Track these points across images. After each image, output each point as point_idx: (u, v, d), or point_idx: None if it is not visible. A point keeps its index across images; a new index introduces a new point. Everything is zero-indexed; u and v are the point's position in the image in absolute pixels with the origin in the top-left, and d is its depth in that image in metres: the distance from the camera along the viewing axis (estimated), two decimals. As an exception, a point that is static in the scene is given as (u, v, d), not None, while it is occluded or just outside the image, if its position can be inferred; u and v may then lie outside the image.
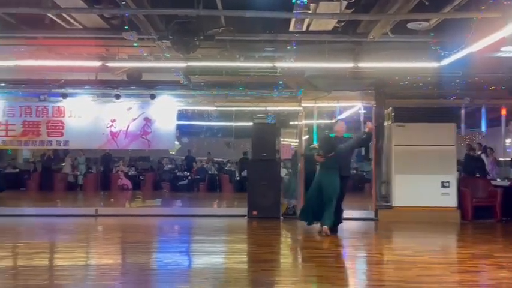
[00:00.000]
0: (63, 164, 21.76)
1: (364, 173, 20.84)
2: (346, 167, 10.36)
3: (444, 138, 12.32)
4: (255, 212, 12.28)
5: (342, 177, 10.11)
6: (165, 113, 13.47)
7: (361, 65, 10.86)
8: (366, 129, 10.35)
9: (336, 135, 10.58)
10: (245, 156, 20.79)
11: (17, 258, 7.97)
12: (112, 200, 17.33)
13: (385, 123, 12.89)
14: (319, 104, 13.08)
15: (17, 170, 21.89)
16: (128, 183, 20.89)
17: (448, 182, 12.24)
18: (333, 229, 9.96)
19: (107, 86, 13.01)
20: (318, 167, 10.61)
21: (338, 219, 10.18)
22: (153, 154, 23.07)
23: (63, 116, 13.45)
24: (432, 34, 9.40)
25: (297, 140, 13.51)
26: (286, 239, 10.38)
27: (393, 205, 12.38)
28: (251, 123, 13.49)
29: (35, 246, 8.68)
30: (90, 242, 9.55)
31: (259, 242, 9.38)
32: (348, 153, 10.52)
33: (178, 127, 14.13)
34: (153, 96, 13.19)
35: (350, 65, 10.86)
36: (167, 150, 19.08)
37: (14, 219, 12.19)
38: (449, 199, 12.22)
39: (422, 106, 12.50)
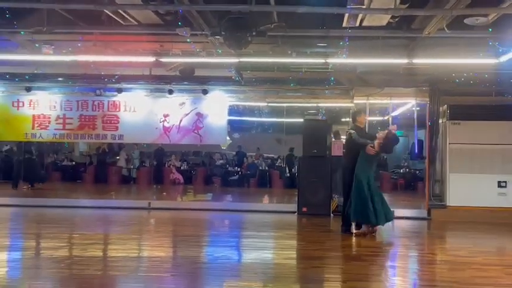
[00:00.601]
0: (118, 157, 22.22)
1: (417, 172, 20.47)
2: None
3: (502, 137, 11.95)
4: (304, 209, 12.24)
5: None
6: (216, 109, 13.56)
7: (416, 61, 10.64)
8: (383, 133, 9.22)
9: (358, 126, 9.58)
10: (291, 153, 20.70)
11: (72, 248, 8.18)
12: (164, 193, 17.57)
13: (440, 121, 12.61)
14: (372, 101, 12.91)
15: (73, 163, 22.49)
16: (180, 177, 21.14)
17: (505, 181, 11.87)
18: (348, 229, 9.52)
19: (161, 81, 13.21)
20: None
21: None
22: (205, 149, 23.25)
23: (118, 111, 13.75)
24: (490, 30, 9.10)
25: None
26: (336, 236, 10.29)
27: (447, 204, 12.10)
28: (302, 120, 13.45)
29: (89, 237, 8.88)
30: (142, 235, 9.69)
31: (309, 238, 9.32)
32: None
33: (230, 122, 14.24)
34: (205, 92, 13.30)
35: (404, 61, 10.66)
36: (218, 146, 19.12)
37: (70, 210, 12.51)
38: (506, 199, 11.84)
39: (479, 104, 12.14)
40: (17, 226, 10.49)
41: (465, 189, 11.97)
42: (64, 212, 12.38)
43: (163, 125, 13.66)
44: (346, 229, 9.60)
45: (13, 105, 14.05)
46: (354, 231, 9.48)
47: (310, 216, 11.95)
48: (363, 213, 9.12)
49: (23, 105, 14.02)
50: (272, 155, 22.86)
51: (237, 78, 12.54)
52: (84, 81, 13.37)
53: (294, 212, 12.35)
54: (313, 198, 12.22)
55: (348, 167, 9.35)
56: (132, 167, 22.09)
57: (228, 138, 15.54)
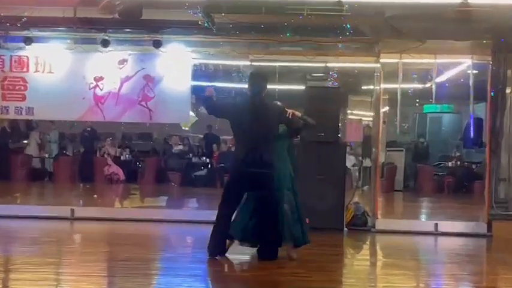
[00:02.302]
0: (26, 141, 22.11)
1: (474, 166, 20.66)
2: None
3: None
4: (307, 221, 12.24)
5: None
6: (175, 70, 13.49)
7: (474, 1, 10.65)
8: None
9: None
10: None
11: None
12: (95, 196, 17.53)
13: (508, 91, 12.68)
14: (407, 60, 12.94)
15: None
16: (119, 172, 21.15)
17: None
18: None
19: (91, 28, 13.09)
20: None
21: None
22: (157, 130, 23.24)
23: (25, 71, 13.61)
24: None
25: (372, 114, 13.38)
26: (352, 262, 10.33)
27: (516, 215, 12.24)
28: (303, 87, 13.38)
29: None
30: (62, 258, 9.65)
31: (311, 265, 9.34)
32: None
33: (195, 91, 14.15)
34: (157, 44, 13.22)
35: (456, 0, 10.65)
36: (177, 125, 19.14)
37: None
38: None
39: None
40: None
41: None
42: None
43: (94, 94, 13.57)
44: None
45: None
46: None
47: (314, 230, 11.94)
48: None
49: None
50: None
51: (206, 24, 12.47)
52: (-26, 26, 13.21)
53: (290, 225, 12.36)
54: (319, 204, 12.23)
55: None
56: (47, 155, 22.00)
57: (192, 114, 15.48)
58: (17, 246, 10.42)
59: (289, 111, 9.45)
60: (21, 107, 13.65)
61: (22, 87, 13.62)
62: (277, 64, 14.46)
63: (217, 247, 9.34)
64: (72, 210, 13.16)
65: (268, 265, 9.18)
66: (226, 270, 9.08)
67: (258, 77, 9.68)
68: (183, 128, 21.02)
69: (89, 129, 21.72)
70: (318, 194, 12.26)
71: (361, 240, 11.86)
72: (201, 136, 23.91)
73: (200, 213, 14.57)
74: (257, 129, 9.04)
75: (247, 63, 14.22)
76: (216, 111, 9.68)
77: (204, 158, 22.03)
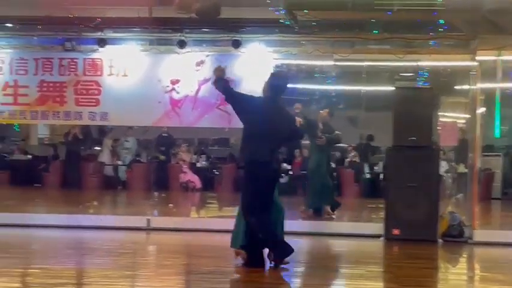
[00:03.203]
0: (99, 148, 22.40)
1: None
2: None
3: None
4: (396, 231, 12.15)
5: None
6: (255, 71, 13.51)
7: None
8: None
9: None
10: (368, 142, 20.54)
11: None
12: (171, 205, 17.66)
13: None
14: (507, 57, 12.72)
15: (29, 157, 22.78)
16: (195, 179, 21.23)
17: None
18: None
19: (167, 28, 13.21)
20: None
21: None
22: (234, 135, 23.26)
23: (99, 74, 13.82)
24: None
25: (467, 116, 13.17)
26: (448, 276, 10.17)
27: None
28: (391, 88, 13.25)
29: (56, 274, 8.89)
30: (139, 270, 9.72)
31: (404, 279, 9.23)
32: None
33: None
34: (236, 44, 13.28)
35: None
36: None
37: (24, 231, 12.65)
38: None
39: None
40: None
41: None
42: (15, 233, 12.53)
43: (170, 97, 13.68)
44: None
45: None
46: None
47: (406, 242, 11.85)
48: None
49: (-50, 65, 14.22)
50: (342, 144, 22.70)
51: (288, 22, 12.47)
52: (47, 27, 13.45)
53: (379, 236, 12.29)
54: (410, 214, 12.12)
55: None
56: (120, 162, 22.25)
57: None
58: (92, 258, 10.55)
59: (298, 119, 9.66)
60: (95, 113, 13.85)
61: (96, 92, 13.81)
62: (363, 64, 14.38)
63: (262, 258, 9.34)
64: (148, 221, 13.26)
65: (356, 279, 9.14)
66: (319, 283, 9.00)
67: (279, 79, 9.77)
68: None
69: (165, 134, 21.90)
70: (409, 202, 12.17)
71: (457, 252, 11.67)
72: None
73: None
74: (269, 131, 9.14)
75: (331, 63, 14.18)
76: (235, 101, 9.65)
77: (285, 164, 21.91)
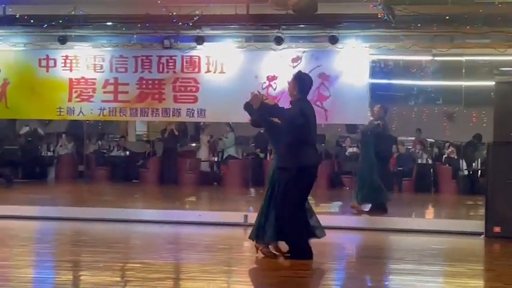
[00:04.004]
0: (196, 144, 22.58)
1: None
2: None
3: None
4: (497, 229, 11.87)
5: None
6: (351, 67, 13.43)
7: None
8: None
9: None
10: (473, 141, 20.12)
11: (132, 286, 8.38)
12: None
13: None
14: None
15: (127, 154, 23.11)
16: (292, 176, 21.20)
17: None
18: None
19: (264, 25, 13.23)
20: None
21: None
22: (329, 131, 23.14)
23: (197, 71, 13.97)
24: None
25: None
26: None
27: None
28: (492, 83, 12.98)
29: (156, 269, 9.01)
30: (237, 266, 9.76)
31: (507, 278, 9.02)
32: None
33: (371, 89, 14.06)
34: (333, 40, 13.22)
35: None
36: (349, 126, 19.06)
37: (123, 226, 12.84)
38: None
39: None
40: (47, 249, 10.89)
41: None
42: (115, 228, 12.73)
43: (267, 94, 13.67)
44: None
45: (40, 65, 14.63)
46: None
47: (507, 240, 11.60)
48: None
49: (55, 64, 14.60)
50: (440, 140, 22.39)
51: (386, 18, 12.35)
52: (146, 26, 13.65)
53: (480, 234, 12.01)
54: (512, 211, 11.89)
55: None
56: (215, 159, 22.39)
57: (368, 113, 15.37)
58: (191, 253, 10.63)
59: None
60: (193, 109, 14.00)
61: (193, 89, 13.97)
62: (463, 58, 14.15)
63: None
64: (246, 216, 13.29)
65: (458, 277, 9.01)
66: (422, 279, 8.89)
67: (307, 79, 9.70)
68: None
69: (262, 131, 21.87)
70: (510, 199, 11.89)
71: None
72: (377, 137, 23.60)
73: (371, 219, 14.44)
74: (315, 131, 9.61)
75: (430, 57, 13.98)
76: (274, 124, 9.63)
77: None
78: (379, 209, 13.70)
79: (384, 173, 14.10)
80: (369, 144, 13.82)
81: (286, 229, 9.35)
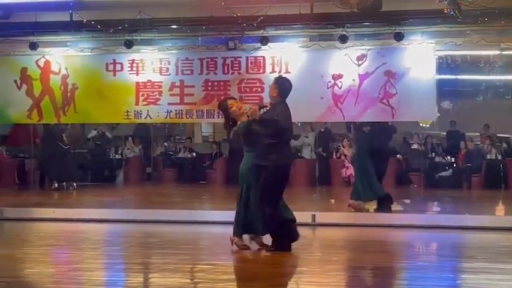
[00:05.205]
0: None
1: None
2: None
3: None
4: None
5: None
6: (418, 63, 13.34)
7: None
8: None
9: None
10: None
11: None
12: (332, 201, 17.58)
13: None
14: None
15: (193, 155, 23.20)
16: (355, 173, 21.08)
17: None
18: None
19: (328, 23, 13.18)
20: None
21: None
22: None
23: (262, 72, 13.97)
24: None
25: None
26: None
27: None
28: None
29: (225, 270, 9.12)
30: (305, 266, 9.74)
31: None
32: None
33: (438, 85, 13.90)
34: (398, 37, 13.12)
35: None
36: (415, 122, 18.90)
37: (191, 227, 12.91)
38: None
39: None
40: (118, 252, 10.99)
41: None
42: (183, 230, 12.79)
43: (332, 92, 13.65)
44: None
45: (107, 69, 14.80)
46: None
47: None
48: None
49: (122, 68, 14.74)
50: (509, 135, 22.03)
51: (452, 13, 12.18)
52: (211, 28, 13.69)
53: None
54: None
55: None
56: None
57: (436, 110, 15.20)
58: (261, 254, 10.61)
59: None
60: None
61: (259, 89, 13.98)
62: (532, 52, 13.90)
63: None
64: (314, 216, 13.23)
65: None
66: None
67: (287, 83, 10.21)
68: (421, 124, 20.64)
69: (322, 130, 21.81)
70: None
71: None
72: (443, 133, 23.26)
73: (444, 217, 14.26)
74: (292, 132, 10.47)
75: (498, 52, 13.75)
76: (272, 125, 9.93)
77: (448, 157, 21.46)
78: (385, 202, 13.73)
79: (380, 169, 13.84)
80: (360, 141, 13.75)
81: (267, 222, 9.97)
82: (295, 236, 10.19)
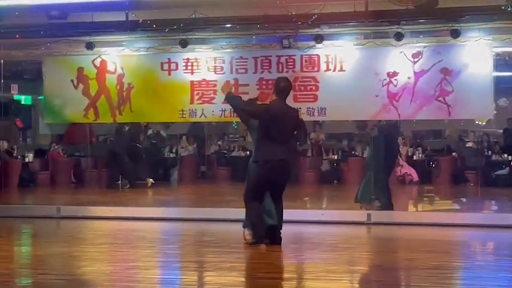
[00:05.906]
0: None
1: None
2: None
3: None
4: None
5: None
6: (474, 61, 13.19)
7: None
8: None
9: None
10: None
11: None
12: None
13: None
14: None
15: (247, 153, 23.22)
16: (412, 172, 20.95)
17: None
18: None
19: (383, 21, 13.10)
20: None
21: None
22: (449, 126, 22.81)
23: (317, 70, 13.93)
24: None
25: None
26: None
27: None
28: None
29: (279, 269, 9.08)
30: (361, 265, 9.79)
31: None
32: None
33: (496, 82, 13.74)
34: (455, 34, 12.99)
35: None
36: (470, 120, 18.73)
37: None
38: None
39: None
40: (174, 250, 11.07)
41: None
42: (238, 228, 12.78)
43: (387, 90, 13.55)
44: None
45: (162, 69, 14.85)
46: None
47: None
48: None
49: (177, 67, 14.77)
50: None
51: (510, 9, 12.01)
52: (265, 26, 13.69)
53: None
54: None
55: None
56: (335, 157, 22.37)
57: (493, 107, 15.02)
58: (316, 252, 10.61)
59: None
60: (313, 108, 13.98)
61: (313, 88, 13.94)
62: None
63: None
64: (369, 215, 13.20)
65: None
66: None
67: (282, 82, 10.55)
68: (477, 122, 20.46)
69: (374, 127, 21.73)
70: None
71: None
72: (500, 131, 23.00)
73: (500, 216, 14.10)
74: (283, 130, 10.29)
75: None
76: (248, 111, 10.66)
77: (505, 155, 21.21)
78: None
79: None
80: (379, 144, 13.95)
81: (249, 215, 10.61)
82: (276, 241, 10.47)
